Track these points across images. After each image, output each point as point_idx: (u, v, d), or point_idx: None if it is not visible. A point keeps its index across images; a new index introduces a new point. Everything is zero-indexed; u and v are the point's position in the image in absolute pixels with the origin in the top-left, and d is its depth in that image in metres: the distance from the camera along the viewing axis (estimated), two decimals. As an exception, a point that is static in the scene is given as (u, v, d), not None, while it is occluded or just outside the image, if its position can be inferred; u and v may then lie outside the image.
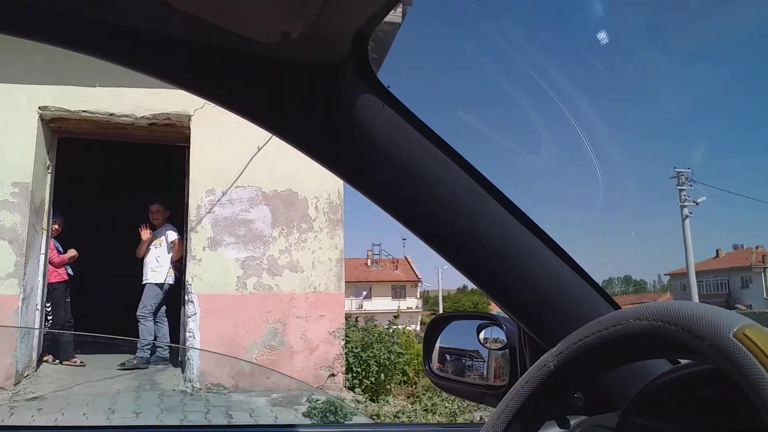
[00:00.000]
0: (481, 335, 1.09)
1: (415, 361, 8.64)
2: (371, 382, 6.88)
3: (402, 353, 7.36)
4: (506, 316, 0.90)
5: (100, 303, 7.24)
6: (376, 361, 6.95)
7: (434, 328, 1.19)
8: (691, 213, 28.09)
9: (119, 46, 0.63)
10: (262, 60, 0.65)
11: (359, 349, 6.94)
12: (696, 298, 27.31)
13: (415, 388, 7.59)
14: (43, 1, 0.57)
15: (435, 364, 1.15)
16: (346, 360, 6.76)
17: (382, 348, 7.03)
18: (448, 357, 1.18)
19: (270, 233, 6.47)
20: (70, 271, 6.69)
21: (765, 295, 41.59)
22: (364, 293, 47.78)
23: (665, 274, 47.21)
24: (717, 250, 48.70)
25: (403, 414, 5.80)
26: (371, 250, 50.07)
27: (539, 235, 0.81)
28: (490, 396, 0.99)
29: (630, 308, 0.57)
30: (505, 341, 0.99)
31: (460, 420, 6.44)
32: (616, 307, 0.83)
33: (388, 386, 7.00)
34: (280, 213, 6.52)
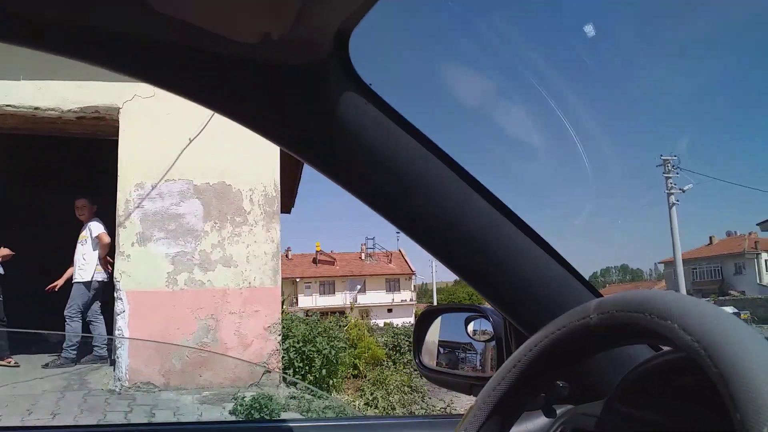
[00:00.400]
0: (470, 327, 1.11)
1: (366, 354, 8.53)
2: (314, 378, 6.74)
3: (344, 347, 7.20)
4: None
5: (34, 301, 7.07)
6: (319, 356, 6.81)
7: (423, 321, 1.21)
8: (678, 201, 27.93)
9: (101, 49, 0.63)
10: (245, 61, 0.66)
11: (301, 344, 6.80)
12: (683, 285, 27.24)
13: (364, 381, 7.47)
14: (25, 5, 0.58)
15: (425, 357, 1.17)
16: (287, 355, 6.62)
17: (325, 342, 6.88)
18: (442, 350, 1.19)
19: (202, 227, 6.31)
20: (1, 270, 6.54)
21: (758, 281, 41.41)
22: (359, 287, 47.67)
23: (659, 263, 47.04)
24: (710, 237, 48.55)
25: (333, 409, 5.65)
26: (365, 244, 50.00)
27: (521, 227, 0.83)
28: (479, 387, 0.96)
29: (599, 299, 0.58)
30: (493, 333, 1.01)
31: (398, 412, 6.31)
32: (598, 295, 0.84)
33: (331, 381, 6.86)
34: (213, 206, 6.36)
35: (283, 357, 6.67)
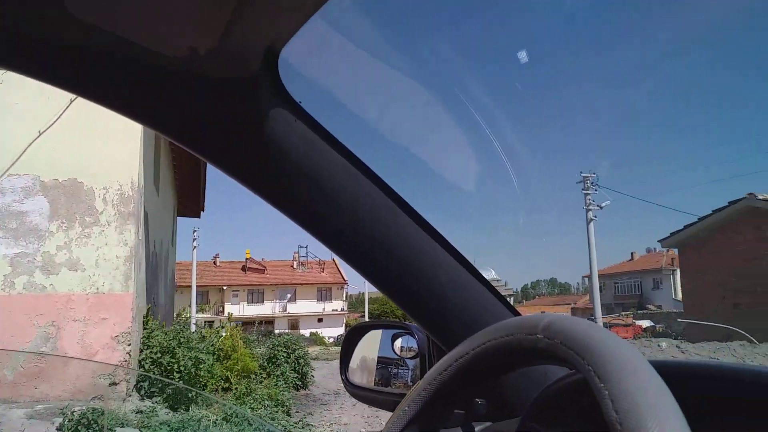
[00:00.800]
0: (397, 344, 1.13)
1: (237, 367, 8.15)
2: (172, 391, 6.34)
3: (206, 359, 6.82)
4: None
5: None
6: (179, 368, 6.42)
7: (351, 338, 1.22)
8: (595, 216, 28.78)
9: (23, 56, 0.62)
10: (171, 73, 0.65)
11: (159, 355, 6.38)
12: (597, 299, 28.06)
13: (233, 394, 7.11)
14: None
15: (353, 374, 1.17)
16: (141, 366, 6.20)
17: (186, 353, 6.49)
18: (371, 367, 1.19)
19: (47, 227, 5.85)
20: None
21: (673, 296, 43.20)
22: (288, 296, 46.86)
23: (585, 276, 48.34)
24: (632, 253, 50.35)
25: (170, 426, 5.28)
26: (298, 252, 49.16)
27: (444, 246, 0.85)
28: None
29: (506, 321, 0.61)
30: (417, 349, 1.04)
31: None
32: (516, 313, 0.89)
33: (190, 395, 6.48)
34: (61, 205, 5.91)
35: (140, 368, 6.24)
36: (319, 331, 43.72)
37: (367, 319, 45.63)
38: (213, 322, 42.36)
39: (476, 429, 0.80)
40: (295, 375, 9.69)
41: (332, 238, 0.82)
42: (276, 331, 43.34)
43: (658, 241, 20.31)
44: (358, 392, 1.15)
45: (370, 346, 1.20)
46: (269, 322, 45.16)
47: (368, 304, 45.96)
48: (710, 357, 13.56)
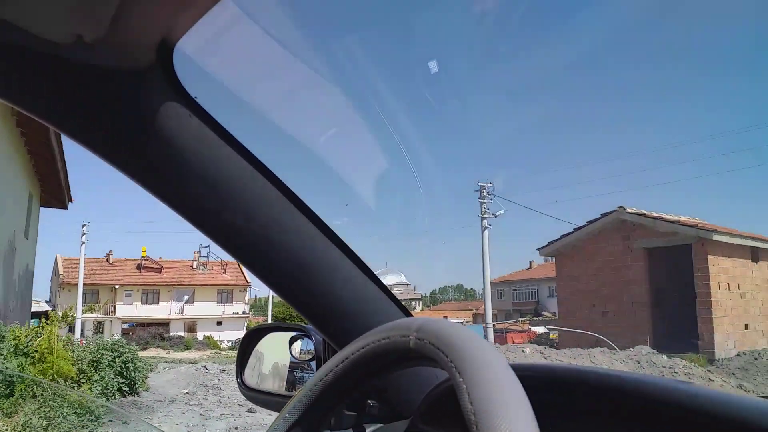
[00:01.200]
0: (296, 346, 1.14)
1: (51, 370, 7.47)
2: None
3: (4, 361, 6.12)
4: None
5: None
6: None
7: (250, 341, 1.21)
8: (490, 225, 29.50)
9: None
10: (55, 60, 0.63)
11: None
12: (489, 304, 28.80)
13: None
14: None
15: (249, 376, 1.17)
16: None
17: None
18: (272, 370, 1.20)
19: None
20: None
21: (565, 304, 45.27)
22: (186, 297, 45.06)
23: (485, 283, 49.57)
24: (530, 262, 52.25)
25: None
26: (198, 252, 47.36)
27: (341, 248, 0.87)
28: None
29: (384, 325, 0.64)
30: (314, 352, 1.07)
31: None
32: (409, 315, 0.94)
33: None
34: None
35: None
36: (219, 334, 42.37)
37: (270, 321, 44.66)
38: (103, 322, 40.11)
39: (367, 430, 0.84)
40: (122, 380, 9.03)
41: (226, 237, 0.80)
42: (171, 334, 41.81)
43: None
44: (253, 395, 1.15)
45: (269, 349, 1.19)
46: (165, 324, 43.23)
47: (274, 307, 44.91)
48: (569, 362, 14.01)
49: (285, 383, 1.16)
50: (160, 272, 45.05)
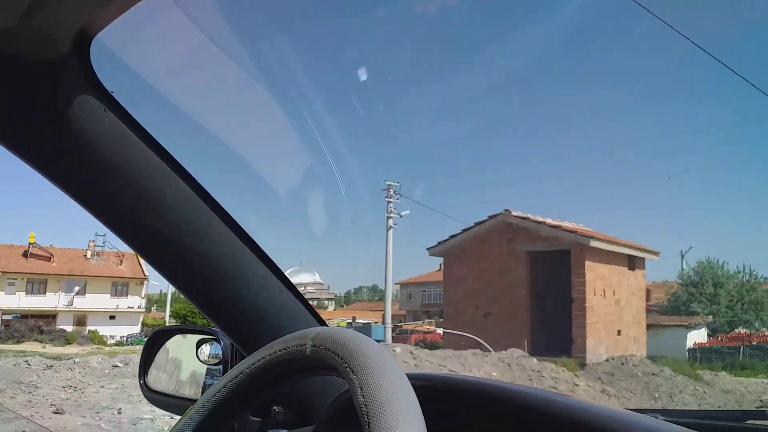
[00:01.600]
0: (204, 350, 1.10)
1: None
2: None
3: None
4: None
5: None
6: None
7: (154, 342, 1.20)
8: (395, 224, 29.30)
9: None
10: None
11: None
12: (389, 305, 28.73)
13: None
14: None
15: (154, 379, 1.15)
16: None
17: None
18: (179, 372, 1.18)
19: None
20: None
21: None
22: (77, 288, 42.27)
23: (395, 284, 49.78)
24: (440, 264, 52.80)
25: None
26: (93, 241, 44.51)
27: (254, 251, 0.86)
28: None
29: (285, 337, 0.66)
30: (221, 356, 1.04)
31: None
32: (321, 321, 0.96)
33: None
34: None
35: None
36: (111, 329, 40.06)
37: (168, 318, 42.72)
38: (-22, 312, 37.01)
39: None
40: None
41: (135, 236, 0.78)
42: (57, 327, 39.10)
43: (426, 249, 20.74)
44: (156, 398, 1.13)
45: (178, 352, 1.17)
46: (51, 316, 40.41)
47: (173, 303, 42.85)
48: (439, 364, 13.77)
49: (201, 388, 1.12)
50: (50, 260, 42.06)
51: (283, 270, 0.92)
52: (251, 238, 0.84)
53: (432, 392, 0.79)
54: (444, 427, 0.73)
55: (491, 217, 19.55)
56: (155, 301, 53.89)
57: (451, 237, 20.43)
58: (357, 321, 44.73)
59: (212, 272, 0.82)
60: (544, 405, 0.75)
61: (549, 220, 18.97)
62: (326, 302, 74.71)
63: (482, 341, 17.33)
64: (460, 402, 0.80)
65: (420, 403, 0.49)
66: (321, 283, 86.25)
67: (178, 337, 1.21)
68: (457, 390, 0.82)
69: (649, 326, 27.85)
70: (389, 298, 29.34)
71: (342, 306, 72.41)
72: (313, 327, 0.65)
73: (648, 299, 36.37)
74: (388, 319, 28.55)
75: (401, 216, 29.85)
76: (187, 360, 1.15)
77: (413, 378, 0.75)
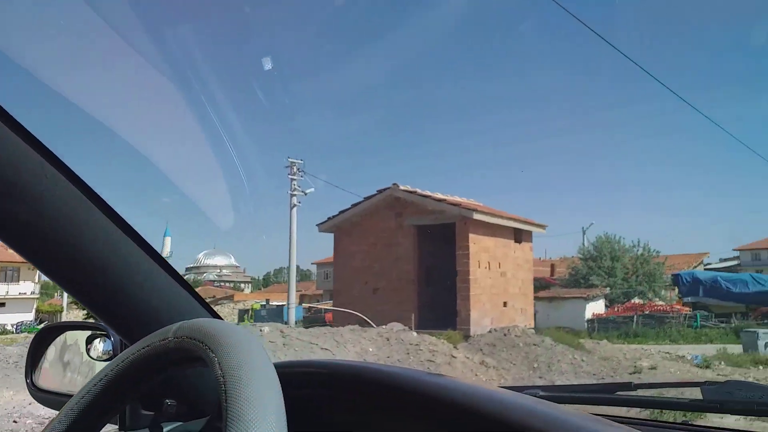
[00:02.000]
0: (97, 345, 1.07)
1: None
2: None
3: None
4: None
5: None
6: None
7: (42, 339, 1.16)
8: (299, 202, 28.58)
9: None
10: None
11: None
12: (293, 285, 28.25)
13: None
14: None
15: (42, 378, 1.12)
16: None
17: None
18: (70, 370, 1.14)
19: None
20: None
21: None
22: (-42, 274, 39.06)
23: (313, 263, 49.24)
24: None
25: None
26: (-21, 224, 41.24)
27: (142, 246, 0.84)
28: None
29: (151, 334, 0.65)
30: (112, 353, 1.02)
31: None
32: (211, 311, 0.96)
33: None
34: None
35: None
36: (1, 317, 37.35)
37: (66, 305, 40.29)
38: None
39: (165, 429, 0.85)
40: None
41: (10, 232, 0.74)
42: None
43: (316, 225, 20.12)
44: (44, 397, 1.09)
45: (69, 349, 1.14)
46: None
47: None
48: (311, 342, 13.28)
49: (66, 383, 1.12)
50: (-74, 246, 38.59)
51: (197, 253, 0.87)
52: (135, 230, 0.81)
53: (291, 378, 0.77)
54: (308, 412, 0.78)
55: (380, 192, 19.14)
56: (54, 286, 50.91)
57: (341, 212, 19.89)
58: (271, 303, 43.80)
59: (93, 265, 0.78)
60: (406, 384, 0.76)
61: (436, 194, 18.77)
62: (242, 285, 73.01)
63: (365, 317, 17.00)
64: (319, 385, 0.83)
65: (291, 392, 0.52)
66: (236, 266, 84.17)
67: (69, 333, 1.17)
68: (312, 374, 0.85)
69: (551, 299, 28.63)
70: (293, 278, 28.75)
71: (260, 288, 70.95)
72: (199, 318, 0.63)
73: (552, 274, 37.51)
74: (292, 300, 27.95)
75: (305, 193, 29.13)
76: (79, 357, 1.12)
77: (284, 366, 0.83)
